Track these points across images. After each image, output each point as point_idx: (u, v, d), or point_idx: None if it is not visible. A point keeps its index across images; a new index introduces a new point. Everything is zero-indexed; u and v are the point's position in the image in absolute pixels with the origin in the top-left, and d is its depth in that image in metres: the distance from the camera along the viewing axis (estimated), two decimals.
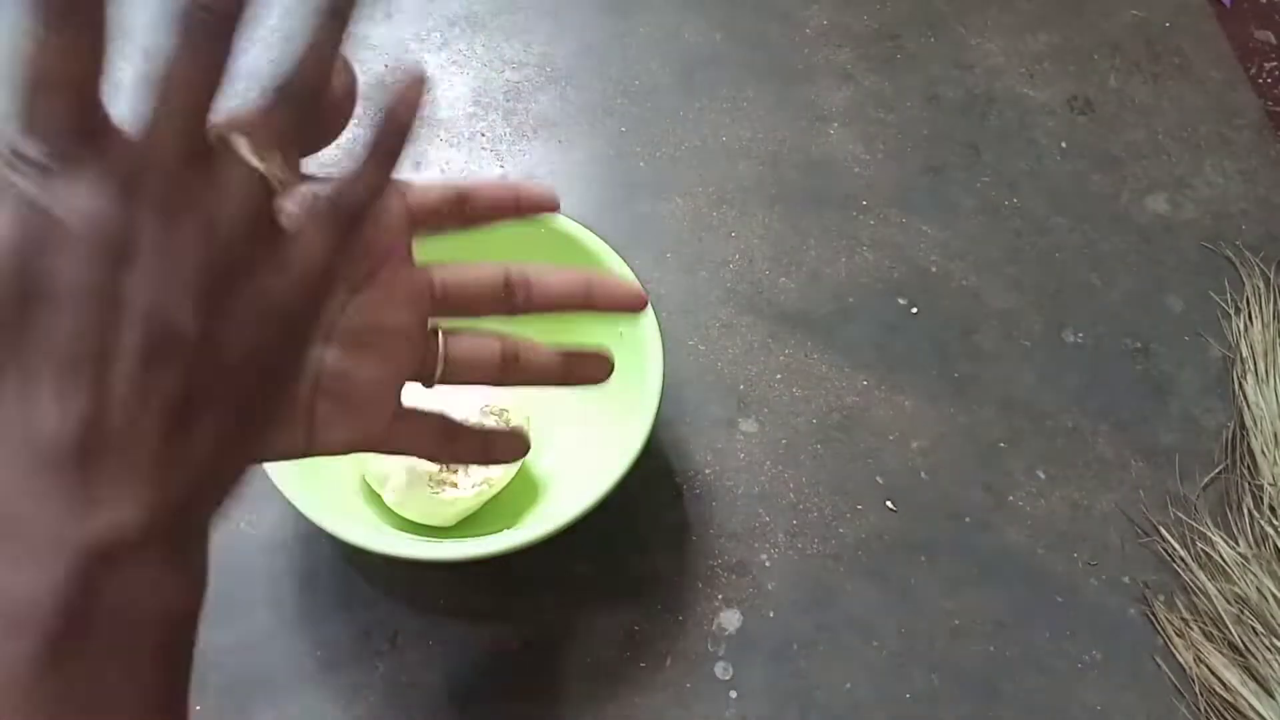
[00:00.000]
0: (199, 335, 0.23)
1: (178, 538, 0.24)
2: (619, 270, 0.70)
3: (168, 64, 0.24)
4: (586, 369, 0.41)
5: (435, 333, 0.38)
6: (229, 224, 0.24)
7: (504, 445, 0.41)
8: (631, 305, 0.40)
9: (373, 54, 1.01)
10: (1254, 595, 0.70)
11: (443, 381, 0.38)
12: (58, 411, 0.22)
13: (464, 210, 0.37)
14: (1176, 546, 0.74)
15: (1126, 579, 0.73)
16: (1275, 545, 0.73)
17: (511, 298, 0.38)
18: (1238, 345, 0.84)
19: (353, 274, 0.34)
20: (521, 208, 0.38)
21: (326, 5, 0.26)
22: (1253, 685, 0.67)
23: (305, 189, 0.26)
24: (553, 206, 0.38)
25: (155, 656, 0.23)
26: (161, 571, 0.23)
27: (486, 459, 0.41)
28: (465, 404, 0.66)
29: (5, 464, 0.22)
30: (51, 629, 0.21)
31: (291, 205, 0.26)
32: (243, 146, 0.25)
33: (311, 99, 0.27)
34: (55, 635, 0.21)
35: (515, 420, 0.69)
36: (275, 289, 0.25)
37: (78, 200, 0.22)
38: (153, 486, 0.23)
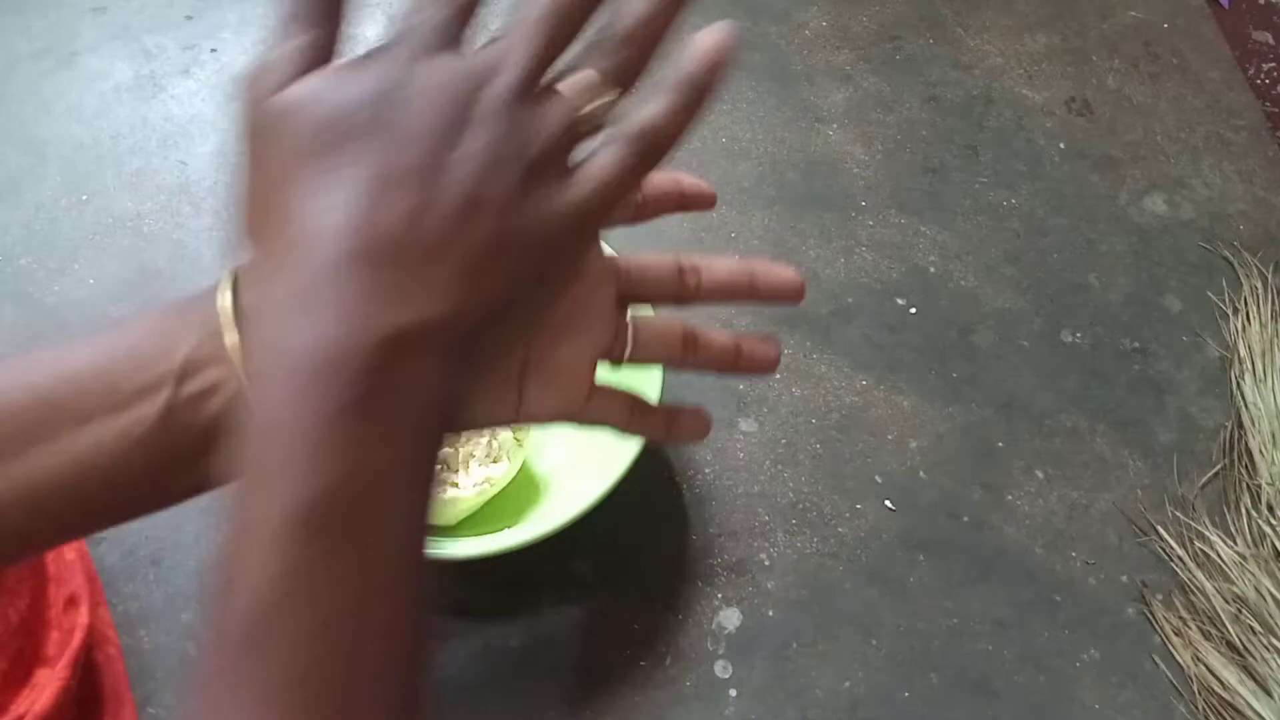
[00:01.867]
0: (506, 198, 0.27)
1: (463, 347, 0.28)
2: None
3: (542, 8, 0.29)
4: (756, 355, 0.41)
5: (624, 315, 0.40)
6: (546, 132, 0.28)
7: (687, 424, 0.42)
8: (793, 294, 0.40)
9: None
10: (1252, 594, 0.70)
11: (630, 360, 0.40)
12: (392, 206, 0.26)
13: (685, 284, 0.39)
14: (1174, 546, 0.74)
15: (1125, 578, 0.73)
16: (1273, 544, 0.73)
17: (684, 284, 0.40)
18: (1235, 345, 0.84)
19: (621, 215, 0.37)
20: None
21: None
22: (1251, 684, 0.67)
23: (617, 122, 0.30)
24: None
25: (419, 434, 0.27)
26: (445, 367, 0.27)
27: (670, 437, 0.42)
28: None
29: (327, 245, 0.25)
30: (355, 385, 0.25)
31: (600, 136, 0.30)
32: (572, 85, 0.30)
33: (638, 61, 0.31)
34: (357, 392, 0.25)
35: None
36: (571, 193, 0.29)
37: (442, 68, 0.28)
38: (453, 295, 0.27)
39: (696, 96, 0.30)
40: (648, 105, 0.29)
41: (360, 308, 0.25)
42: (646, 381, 0.67)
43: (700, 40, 0.30)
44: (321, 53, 0.28)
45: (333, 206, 0.26)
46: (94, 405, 0.29)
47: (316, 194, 0.26)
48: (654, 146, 0.30)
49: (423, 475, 0.27)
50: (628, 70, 0.30)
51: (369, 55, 0.28)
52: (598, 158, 0.29)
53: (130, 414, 0.28)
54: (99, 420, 0.29)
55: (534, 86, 0.29)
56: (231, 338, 0.29)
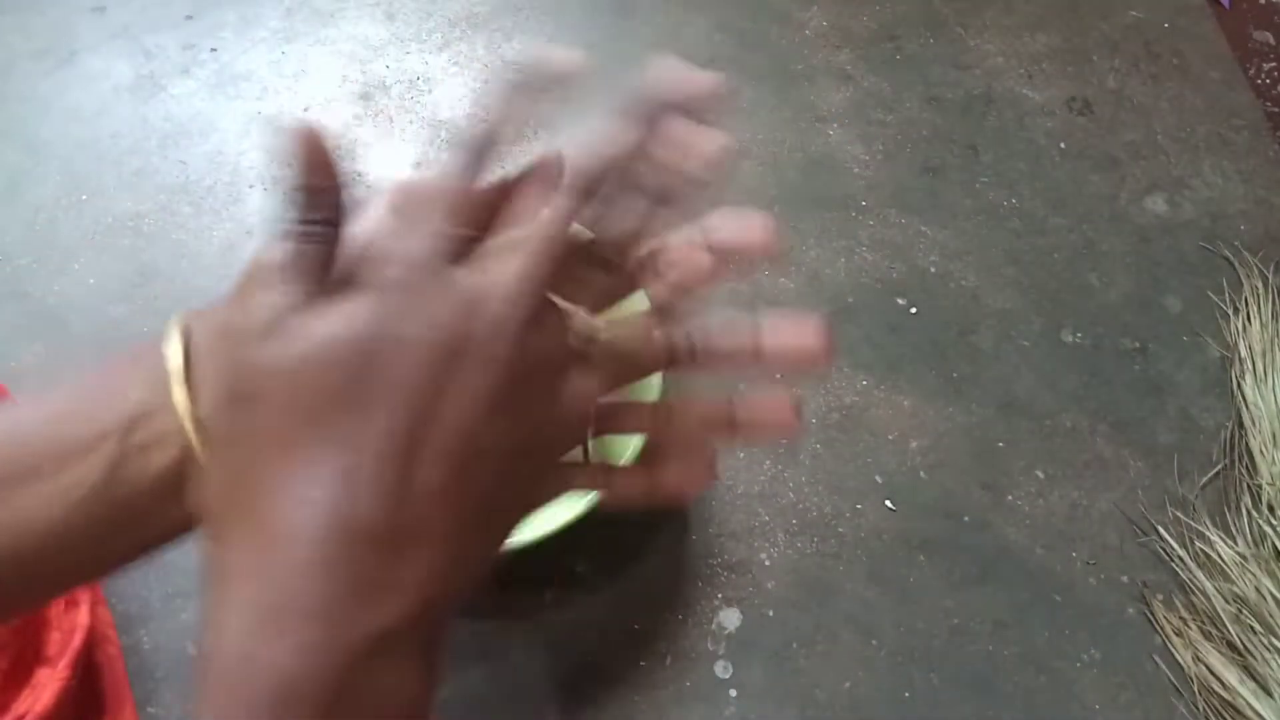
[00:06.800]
0: (497, 449, 0.25)
1: (428, 632, 0.25)
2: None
3: (550, 224, 0.27)
4: (759, 421, 0.32)
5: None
6: (535, 359, 0.26)
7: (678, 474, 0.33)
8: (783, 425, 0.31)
9: (372, 54, 1.01)
10: (1252, 594, 0.70)
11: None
12: (373, 495, 0.23)
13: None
14: (1175, 546, 0.74)
15: (1125, 578, 0.73)
16: (1274, 544, 0.73)
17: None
18: (1236, 345, 0.84)
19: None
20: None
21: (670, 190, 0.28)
22: (1251, 684, 0.67)
23: (588, 327, 0.28)
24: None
25: None
26: (411, 664, 0.24)
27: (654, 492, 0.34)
28: None
29: (300, 546, 0.23)
30: (322, 712, 0.22)
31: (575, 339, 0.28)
32: (560, 302, 0.28)
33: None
34: (324, 717, 0.22)
35: None
36: (560, 424, 0.27)
37: (434, 302, 0.25)
38: (435, 575, 0.24)
39: (669, 331, 0.29)
40: (622, 329, 0.29)
41: (329, 623, 0.23)
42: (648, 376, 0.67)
43: (689, 259, 0.28)
44: (317, 273, 0.25)
45: (311, 498, 0.23)
46: (34, 464, 0.26)
47: (294, 481, 0.24)
48: (632, 369, 0.29)
49: None
50: (601, 289, 0.29)
51: (358, 282, 0.25)
52: (582, 384, 0.27)
53: (73, 472, 0.26)
54: (39, 480, 0.26)
55: (532, 316, 0.26)
56: (180, 392, 0.26)
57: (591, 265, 0.28)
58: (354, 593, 0.23)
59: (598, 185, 0.27)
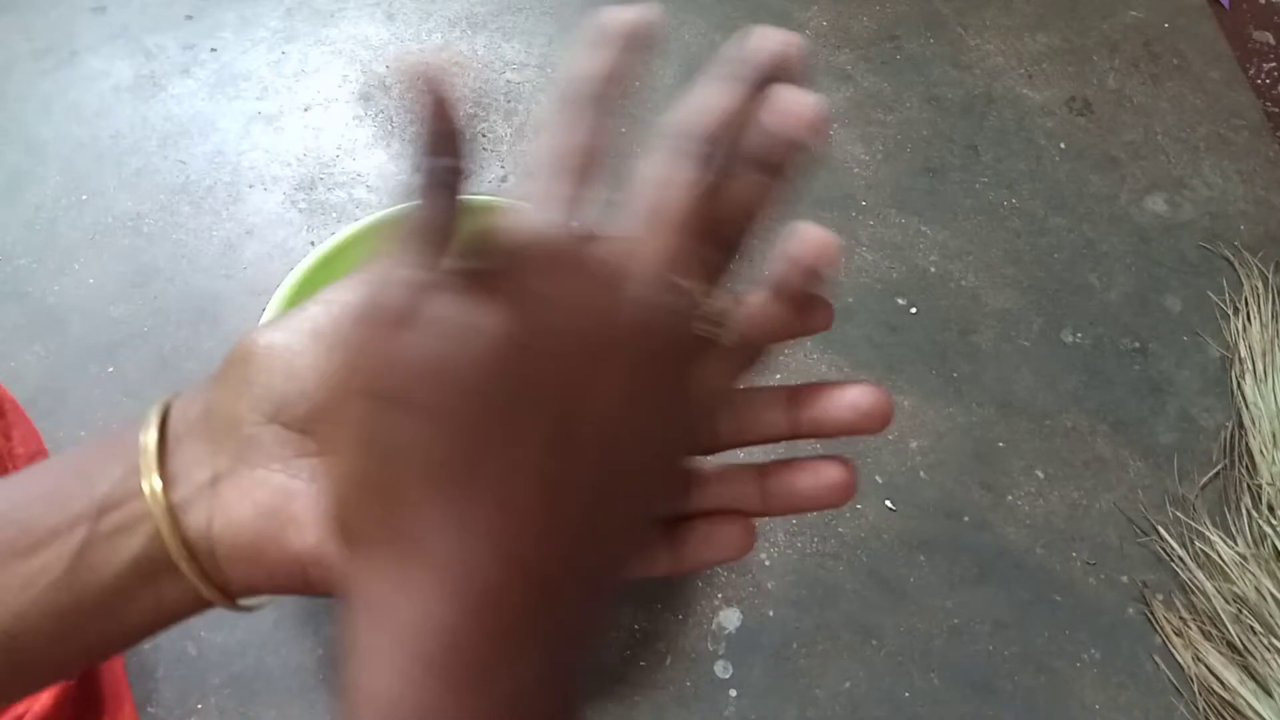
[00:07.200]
0: (636, 453, 0.24)
1: (579, 665, 0.24)
2: None
3: (663, 202, 0.25)
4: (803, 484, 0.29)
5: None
6: (666, 340, 0.24)
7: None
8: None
9: (372, 54, 1.01)
10: (1252, 594, 0.70)
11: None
12: (540, 530, 0.22)
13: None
14: (1175, 546, 0.74)
15: (1125, 578, 0.73)
16: (1274, 545, 0.73)
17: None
18: (1236, 345, 0.84)
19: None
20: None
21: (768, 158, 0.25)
22: (1251, 684, 0.67)
23: (718, 311, 0.26)
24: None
25: None
26: (559, 700, 0.23)
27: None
28: None
29: (470, 577, 0.22)
30: None
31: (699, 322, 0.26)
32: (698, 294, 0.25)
33: (727, 261, 0.26)
34: None
35: None
36: (686, 413, 0.26)
37: (569, 293, 0.23)
38: (587, 622, 0.24)
39: (796, 307, 0.26)
40: (748, 309, 0.26)
41: (494, 673, 0.22)
42: None
43: (803, 243, 0.26)
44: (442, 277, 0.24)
45: (475, 531, 0.22)
46: (1, 550, 0.25)
47: (453, 508, 0.22)
48: (758, 353, 0.27)
49: None
50: (720, 269, 0.26)
51: (489, 285, 0.22)
52: (711, 370, 0.26)
53: (41, 557, 0.25)
54: (4, 566, 0.25)
55: (663, 293, 0.24)
56: (151, 482, 0.25)
57: (703, 239, 0.25)
58: (520, 639, 0.22)
59: (710, 151, 0.25)
